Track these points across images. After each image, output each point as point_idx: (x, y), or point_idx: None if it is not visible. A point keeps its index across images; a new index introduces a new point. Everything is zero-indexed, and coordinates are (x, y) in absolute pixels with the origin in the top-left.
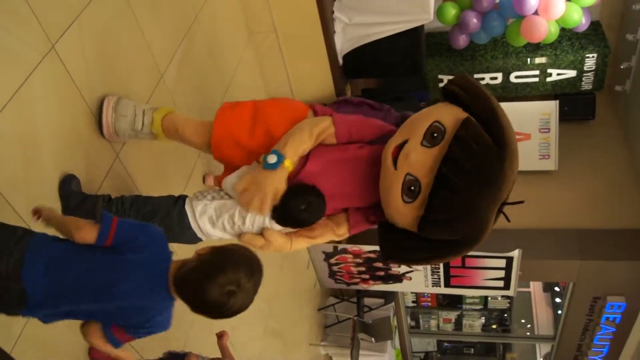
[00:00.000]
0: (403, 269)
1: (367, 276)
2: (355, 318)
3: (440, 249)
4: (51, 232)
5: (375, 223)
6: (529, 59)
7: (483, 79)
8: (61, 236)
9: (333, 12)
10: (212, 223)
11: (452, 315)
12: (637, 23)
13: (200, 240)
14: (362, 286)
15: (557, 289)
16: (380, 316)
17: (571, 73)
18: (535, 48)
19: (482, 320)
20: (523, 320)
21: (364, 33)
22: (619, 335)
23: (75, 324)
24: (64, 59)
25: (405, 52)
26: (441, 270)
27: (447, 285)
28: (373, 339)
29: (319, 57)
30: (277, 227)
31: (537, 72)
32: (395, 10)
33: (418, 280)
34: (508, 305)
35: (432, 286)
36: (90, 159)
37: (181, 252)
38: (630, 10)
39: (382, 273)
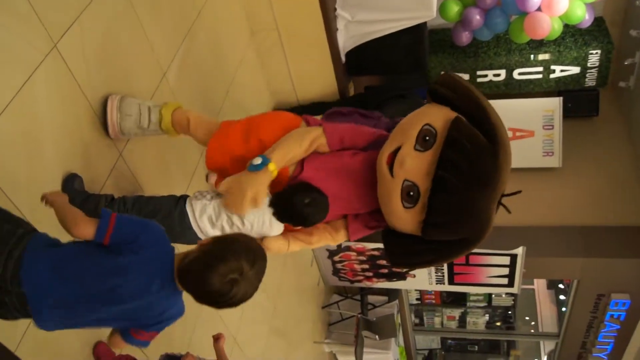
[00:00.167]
0: None
1: (370, 274)
2: (359, 315)
3: (444, 250)
4: (54, 232)
5: (375, 229)
6: (532, 56)
7: (486, 75)
8: (61, 239)
9: (335, 9)
10: (212, 223)
11: (456, 312)
12: None
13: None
14: (366, 284)
15: (561, 286)
16: (384, 314)
17: (575, 69)
18: (539, 44)
19: (486, 317)
20: (527, 318)
21: (367, 30)
22: (623, 332)
23: None
24: (66, 58)
25: (408, 49)
26: (445, 267)
27: (451, 282)
28: (377, 336)
29: (321, 55)
30: (278, 227)
31: (540, 69)
32: (398, 7)
33: (422, 277)
34: (512, 302)
35: (436, 284)
36: (93, 157)
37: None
38: (634, 6)
39: (385, 270)
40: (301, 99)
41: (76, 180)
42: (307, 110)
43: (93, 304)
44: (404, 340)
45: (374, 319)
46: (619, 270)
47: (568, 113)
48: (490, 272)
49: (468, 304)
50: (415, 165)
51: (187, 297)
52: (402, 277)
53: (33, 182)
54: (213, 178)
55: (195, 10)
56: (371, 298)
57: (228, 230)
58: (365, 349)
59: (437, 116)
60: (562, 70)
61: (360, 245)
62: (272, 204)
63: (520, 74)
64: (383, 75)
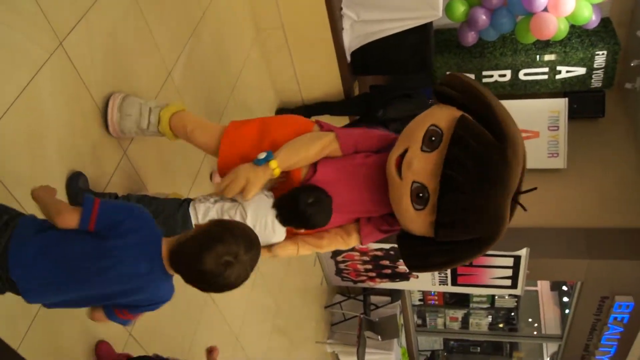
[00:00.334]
0: None
1: (373, 274)
2: (361, 316)
3: (457, 251)
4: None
5: (388, 232)
6: (538, 56)
7: (492, 76)
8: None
9: (341, 8)
10: None
11: (459, 313)
12: None
13: None
14: (369, 284)
15: (564, 288)
16: (386, 314)
17: (581, 70)
18: (545, 45)
19: (489, 319)
20: (530, 319)
21: (373, 30)
22: (626, 335)
23: (81, 324)
24: (71, 56)
25: (413, 49)
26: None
27: (454, 283)
28: (379, 337)
29: (326, 54)
30: (280, 232)
31: (546, 70)
32: (403, 6)
33: (425, 278)
34: (515, 304)
35: (439, 284)
36: (98, 156)
37: None
38: None
39: (388, 271)
40: (306, 98)
41: (81, 179)
42: (312, 109)
43: (81, 285)
44: (407, 341)
45: (377, 319)
46: (623, 273)
47: (573, 114)
48: (494, 274)
49: (471, 305)
50: (422, 166)
51: (187, 297)
52: (405, 277)
53: (38, 181)
54: (217, 177)
55: (200, 10)
56: (374, 298)
57: None
58: (367, 350)
59: (442, 116)
60: (568, 71)
61: (363, 245)
62: (276, 205)
63: (526, 74)
64: (388, 75)
